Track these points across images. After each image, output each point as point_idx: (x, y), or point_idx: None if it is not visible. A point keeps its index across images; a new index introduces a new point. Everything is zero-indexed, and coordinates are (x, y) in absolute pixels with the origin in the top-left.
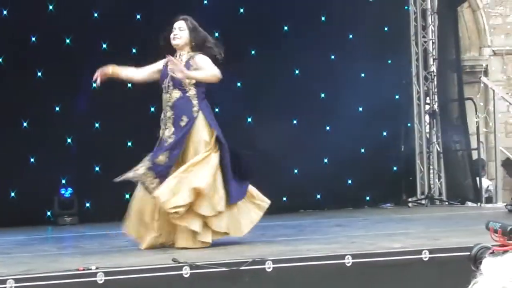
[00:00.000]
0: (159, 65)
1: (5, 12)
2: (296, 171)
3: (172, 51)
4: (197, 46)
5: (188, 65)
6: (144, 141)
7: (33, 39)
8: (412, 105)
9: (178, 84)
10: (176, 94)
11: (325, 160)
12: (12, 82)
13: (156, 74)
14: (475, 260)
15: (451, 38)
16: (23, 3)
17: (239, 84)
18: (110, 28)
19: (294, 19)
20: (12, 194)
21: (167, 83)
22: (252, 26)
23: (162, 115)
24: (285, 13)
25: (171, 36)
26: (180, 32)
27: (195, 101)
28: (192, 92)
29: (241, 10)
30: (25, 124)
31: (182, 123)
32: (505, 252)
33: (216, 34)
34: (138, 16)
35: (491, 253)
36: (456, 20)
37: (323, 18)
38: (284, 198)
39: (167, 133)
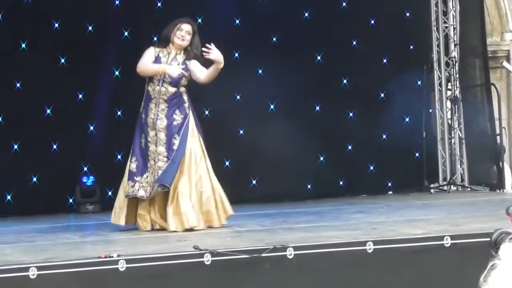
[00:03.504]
0: (151, 55)
1: None
2: (322, 158)
3: (164, 45)
4: (191, 50)
5: (184, 67)
6: None
7: (56, 25)
8: (434, 91)
9: (175, 82)
10: (172, 89)
11: (349, 147)
12: (35, 69)
13: None
14: (495, 245)
15: (475, 22)
16: None
17: (260, 71)
18: (131, 16)
19: (315, 5)
20: (34, 180)
21: (163, 77)
22: (273, 13)
23: (152, 105)
24: None
25: (179, 36)
26: (187, 35)
27: (185, 97)
28: (183, 89)
29: None
30: (48, 111)
31: (176, 117)
32: None
33: (237, 21)
34: (159, 4)
35: (511, 238)
36: (481, 4)
37: (344, 4)
38: (309, 186)
39: (160, 123)
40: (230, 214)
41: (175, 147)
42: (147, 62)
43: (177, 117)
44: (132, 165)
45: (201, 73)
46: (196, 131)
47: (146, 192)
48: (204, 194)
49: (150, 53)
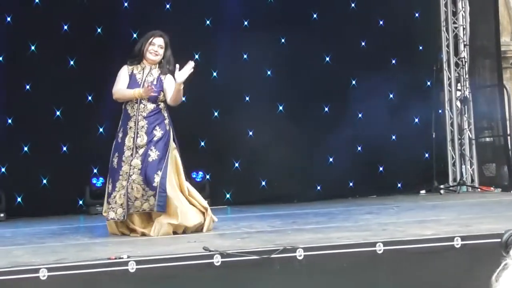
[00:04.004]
0: (125, 76)
1: (37, 0)
2: (331, 159)
3: (138, 60)
4: (165, 64)
5: (160, 80)
6: (176, 130)
7: (65, 27)
8: (443, 91)
9: (153, 98)
10: (151, 106)
11: (359, 148)
12: (44, 71)
13: None
14: (506, 246)
15: (487, 23)
16: None
17: (269, 73)
18: (140, 17)
19: (323, 6)
20: (44, 182)
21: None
22: (281, 14)
23: (132, 123)
24: (315, 0)
25: (151, 51)
26: (160, 49)
27: (165, 114)
28: (162, 105)
29: None
30: (58, 113)
31: (156, 133)
32: None
33: (246, 23)
34: (168, 6)
35: None
36: (496, 5)
37: (352, 5)
38: (318, 187)
39: (140, 141)
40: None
41: (150, 159)
42: (121, 88)
43: (157, 133)
44: (108, 186)
45: (170, 93)
46: (173, 145)
47: (117, 214)
48: None
49: (123, 75)
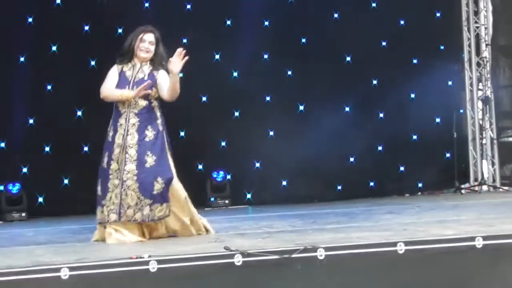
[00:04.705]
0: (114, 74)
1: (58, 1)
2: (352, 159)
3: (128, 58)
4: (157, 60)
5: (152, 77)
6: (196, 131)
7: (86, 28)
8: (465, 91)
9: (144, 94)
10: (143, 103)
11: (379, 148)
12: (66, 71)
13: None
14: None
15: (508, 23)
16: None
17: (289, 73)
18: (161, 17)
19: (344, 6)
20: (66, 182)
21: (132, 89)
22: (302, 14)
23: (122, 120)
24: (335, 0)
25: (142, 48)
26: (151, 46)
27: (158, 113)
28: (155, 103)
29: None
30: (79, 113)
31: (148, 133)
32: None
33: (266, 23)
34: (189, 6)
35: None
36: None
37: (373, 5)
38: (339, 187)
39: (130, 139)
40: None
41: (147, 165)
42: (109, 87)
43: (149, 133)
44: (97, 188)
45: (165, 87)
46: (167, 149)
47: (117, 214)
48: None
49: (113, 74)
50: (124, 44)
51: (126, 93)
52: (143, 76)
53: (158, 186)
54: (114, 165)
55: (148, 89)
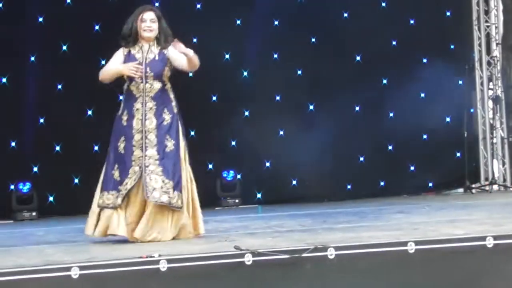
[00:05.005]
0: (119, 58)
1: (68, 1)
2: (362, 158)
3: (133, 41)
4: (162, 37)
5: (163, 55)
6: (206, 130)
7: (97, 27)
8: (475, 90)
9: (158, 75)
10: (157, 85)
11: (390, 147)
12: (76, 71)
13: None
14: None
15: None
16: None
17: (299, 72)
18: (171, 17)
19: (354, 5)
20: (76, 181)
21: (145, 73)
22: (312, 14)
23: (139, 105)
24: None
25: (144, 28)
26: (153, 24)
27: (171, 95)
28: (168, 85)
29: None
30: (89, 112)
31: (165, 116)
32: None
33: (276, 23)
34: (199, 6)
35: None
36: None
37: (383, 4)
38: (349, 186)
39: (149, 124)
40: (199, 233)
41: (167, 149)
42: (107, 68)
43: (166, 117)
44: (115, 173)
45: (183, 59)
46: (182, 133)
47: (123, 200)
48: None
49: (117, 56)
50: (124, 27)
51: (120, 67)
52: (154, 56)
53: (177, 173)
54: (137, 152)
55: (161, 70)
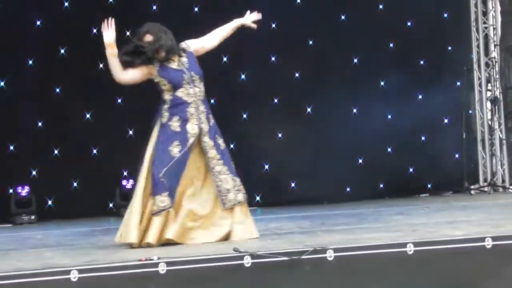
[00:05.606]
0: (142, 71)
1: (66, 4)
2: (360, 160)
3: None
4: (171, 47)
5: (191, 55)
6: None
7: (94, 31)
8: (474, 91)
9: (202, 75)
10: (203, 87)
11: (388, 149)
12: (74, 74)
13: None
14: None
15: None
16: None
17: (297, 75)
18: (169, 20)
19: (351, 8)
20: (75, 184)
21: (191, 77)
22: (310, 16)
23: (192, 110)
24: (342, 1)
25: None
26: (151, 44)
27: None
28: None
29: (298, 0)
30: (88, 115)
31: (210, 116)
32: None
33: (274, 25)
34: (196, 9)
35: None
36: None
37: (380, 6)
38: (348, 189)
39: (204, 127)
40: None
41: (221, 148)
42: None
43: (211, 117)
44: (164, 179)
45: (209, 40)
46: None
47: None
48: None
49: (139, 69)
50: (147, 51)
51: (105, 39)
52: (188, 60)
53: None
54: (195, 156)
55: (200, 69)
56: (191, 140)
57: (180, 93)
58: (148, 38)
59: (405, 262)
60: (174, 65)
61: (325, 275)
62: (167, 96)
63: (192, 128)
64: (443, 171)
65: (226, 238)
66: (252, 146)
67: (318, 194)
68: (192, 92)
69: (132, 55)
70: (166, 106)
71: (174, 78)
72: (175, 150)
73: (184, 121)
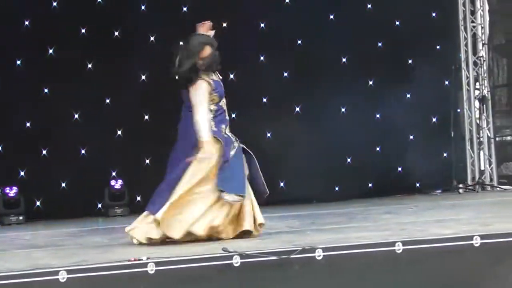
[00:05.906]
0: (206, 89)
1: (54, 4)
2: (349, 160)
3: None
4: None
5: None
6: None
7: (83, 31)
8: (462, 90)
9: (222, 91)
10: None
11: (377, 148)
12: (63, 74)
13: None
14: None
15: (505, 22)
16: None
17: (286, 74)
18: (157, 21)
19: (340, 7)
20: (63, 185)
21: (217, 91)
22: (298, 16)
23: (226, 116)
24: (331, 1)
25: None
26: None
27: None
28: None
29: (287, 0)
30: (76, 116)
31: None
32: None
33: (262, 25)
34: (185, 9)
35: None
36: None
37: (369, 6)
38: (337, 188)
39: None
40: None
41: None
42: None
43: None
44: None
45: None
46: None
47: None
48: None
49: (206, 92)
50: (207, 64)
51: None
52: (218, 77)
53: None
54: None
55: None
56: (236, 144)
57: (222, 102)
58: (208, 50)
59: (394, 261)
60: (215, 76)
61: (314, 275)
62: (212, 107)
63: (230, 134)
64: (431, 170)
65: None
66: None
67: (307, 194)
68: (223, 103)
69: (189, 72)
70: (211, 116)
71: (221, 89)
72: (231, 153)
73: (226, 127)
